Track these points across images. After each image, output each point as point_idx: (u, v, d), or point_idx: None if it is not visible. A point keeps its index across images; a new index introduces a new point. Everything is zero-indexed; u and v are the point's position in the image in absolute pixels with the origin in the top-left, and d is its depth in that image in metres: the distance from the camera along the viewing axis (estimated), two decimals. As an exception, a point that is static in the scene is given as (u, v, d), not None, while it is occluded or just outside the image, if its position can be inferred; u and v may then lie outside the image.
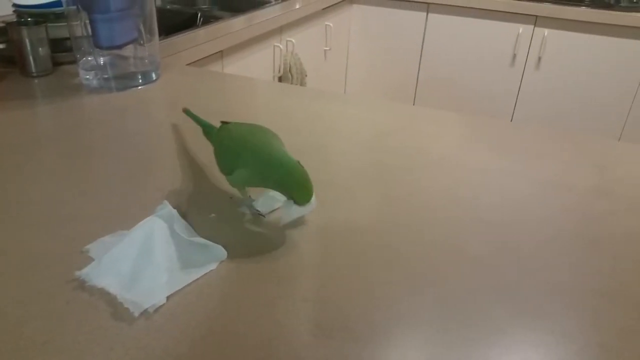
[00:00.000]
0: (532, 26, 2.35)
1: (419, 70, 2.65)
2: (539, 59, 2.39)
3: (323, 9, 2.25)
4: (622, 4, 2.27)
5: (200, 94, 0.99)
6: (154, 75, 1.05)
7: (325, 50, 2.40)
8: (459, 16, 2.46)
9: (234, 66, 1.64)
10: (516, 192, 0.72)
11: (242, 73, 1.69)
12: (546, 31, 2.33)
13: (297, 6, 1.99)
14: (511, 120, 2.56)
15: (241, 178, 0.60)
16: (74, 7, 0.95)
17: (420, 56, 2.62)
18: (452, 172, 0.76)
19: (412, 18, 2.56)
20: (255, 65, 1.78)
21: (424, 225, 0.63)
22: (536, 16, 2.32)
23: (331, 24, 2.37)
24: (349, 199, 0.68)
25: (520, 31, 2.37)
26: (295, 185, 0.56)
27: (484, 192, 0.71)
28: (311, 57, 2.25)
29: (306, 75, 2.11)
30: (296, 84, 2.02)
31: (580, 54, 2.33)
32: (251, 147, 0.59)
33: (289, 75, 1.98)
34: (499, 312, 0.50)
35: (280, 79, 1.99)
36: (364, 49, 2.72)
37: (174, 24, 1.81)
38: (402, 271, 0.55)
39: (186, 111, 0.75)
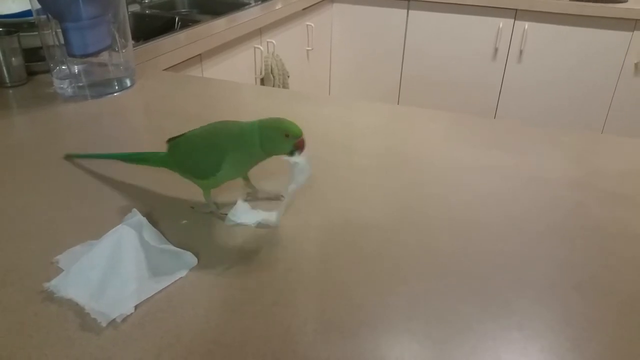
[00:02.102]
0: (513, 20, 2.36)
1: (402, 67, 2.66)
2: (521, 52, 2.41)
3: (303, 9, 2.25)
4: (600, -5, 2.28)
5: (176, 99, 0.99)
6: (129, 82, 1.05)
7: (307, 51, 2.40)
8: (440, 12, 2.47)
9: (214, 69, 1.63)
10: (489, 188, 0.72)
11: (223, 76, 1.68)
12: (526, 24, 2.35)
13: (277, 7, 1.99)
14: (495, 114, 2.58)
15: (232, 167, 0.59)
16: (44, 16, 0.94)
17: (403, 53, 2.63)
18: (426, 171, 0.77)
19: (393, 15, 2.56)
20: (235, 68, 1.78)
21: (396, 224, 0.63)
22: (516, 10, 2.33)
23: (312, 24, 2.37)
24: (321, 202, 0.68)
25: (501, 25, 2.38)
26: (277, 127, 0.57)
27: (456, 190, 0.72)
28: (293, 57, 2.25)
29: (288, 76, 2.10)
30: (278, 85, 2.02)
31: (560, 46, 2.34)
32: (221, 132, 0.60)
33: (271, 76, 1.98)
34: (468, 310, 0.51)
35: (262, 81, 1.99)
36: (346, 47, 2.72)
37: (152, 28, 1.80)
38: (372, 271, 0.55)
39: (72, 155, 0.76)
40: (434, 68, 2.60)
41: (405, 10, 2.53)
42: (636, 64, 2.25)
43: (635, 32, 2.20)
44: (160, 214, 0.64)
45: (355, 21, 2.65)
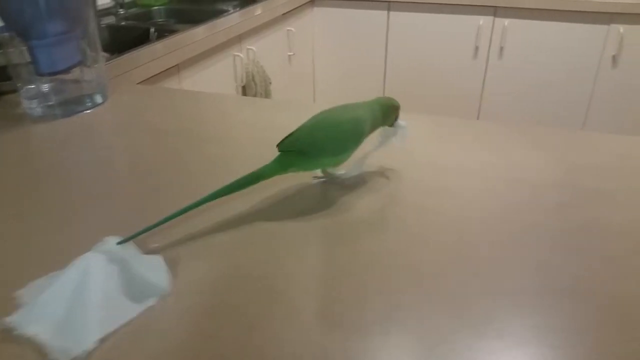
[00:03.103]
0: (492, 17, 2.36)
1: (385, 69, 2.65)
2: (501, 49, 2.40)
3: (283, 14, 2.23)
4: (579, -11, 2.28)
5: (150, 113, 0.97)
6: (101, 98, 1.02)
7: (289, 56, 2.38)
8: (420, 12, 2.46)
9: (192, 79, 1.61)
10: (468, 190, 0.70)
11: (202, 86, 1.66)
12: (506, 21, 2.34)
13: (257, 13, 1.96)
14: (479, 111, 2.57)
15: (365, 138, 0.69)
16: (9, 34, 0.91)
17: (386, 55, 2.61)
18: (406, 173, 0.75)
19: (374, 17, 2.55)
20: (215, 77, 1.75)
21: (371, 230, 0.61)
22: (495, 7, 2.33)
23: (293, 29, 2.35)
24: (293, 210, 0.66)
25: (481, 23, 2.38)
26: (392, 104, 0.72)
27: (435, 193, 0.70)
28: (275, 63, 2.23)
29: (270, 83, 2.08)
30: (260, 93, 2.00)
31: (540, 41, 2.34)
32: (353, 109, 0.69)
33: (252, 84, 1.95)
34: (442, 320, 0.48)
35: (243, 89, 1.97)
36: (329, 51, 2.71)
37: (127, 40, 1.77)
38: (349, 284, 0.53)
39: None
40: (416, 68, 2.59)
41: (386, 12, 2.52)
42: (613, 56, 2.26)
43: (611, 25, 2.20)
44: (134, 239, 0.61)
45: (336, 24, 2.63)
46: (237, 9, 2.05)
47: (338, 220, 0.65)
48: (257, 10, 2.01)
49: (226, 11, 2.00)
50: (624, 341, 0.47)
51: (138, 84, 1.32)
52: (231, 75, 1.87)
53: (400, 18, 2.51)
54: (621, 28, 2.19)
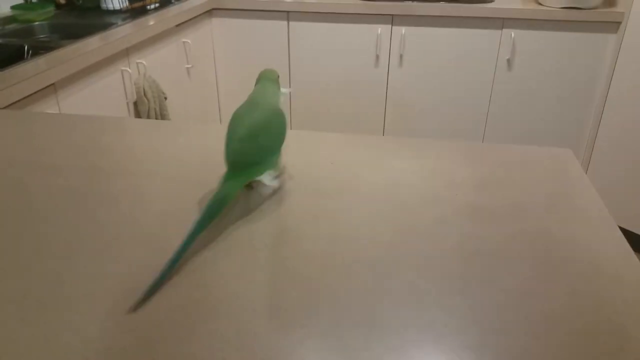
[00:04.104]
0: (390, 25, 2.40)
1: (289, 78, 2.63)
2: (401, 56, 2.45)
3: (177, 25, 2.16)
4: (469, -4, 2.37)
5: (7, 141, 0.88)
6: (-49, 126, 0.92)
7: (187, 68, 2.31)
8: (319, 22, 2.46)
9: (73, 99, 1.51)
10: (344, 213, 0.68)
11: (85, 105, 1.56)
12: (403, 29, 2.39)
13: (146, 25, 1.88)
14: (384, 119, 2.60)
15: (283, 113, 0.72)
16: None
17: (289, 64, 2.60)
18: (290, 199, 0.71)
19: (275, 27, 2.52)
20: (100, 95, 1.66)
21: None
22: (392, 15, 2.37)
23: (189, 40, 2.28)
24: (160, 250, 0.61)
25: (380, 31, 2.41)
26: (273, 77, 0.80)
27: (308, 220, 0.67)
28: (171, 77, 2.15)
29: (166, 98, 2.00)
30: (154, 108, 1.92)
31: (438, 47, 2.40)
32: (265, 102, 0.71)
33: (144, 99, 1.87)
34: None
35: (135, 105, 1.88)
36: (231, 62, 2.65)
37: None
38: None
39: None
40: (320, 78, 2.59)
41: (286, 22, 2.50)
42: (508, 60, 2.36)
43: (503, 29, 2.30)
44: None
45: (237, 35, 2.59)
46: (127, 21, 1.95)
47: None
48: (149, 21, 1.93)
49: (114, 24, 1.91)
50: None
51: (5, 108, 1.21)
52: (120, 92, 1.78)
53: (300, 28, 2.50)
54: (512, 33, 2.29)
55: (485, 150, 0.86)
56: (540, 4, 2.30)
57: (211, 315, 0.51)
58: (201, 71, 2.47)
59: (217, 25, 2.58)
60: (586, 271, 0.58)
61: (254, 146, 0.66)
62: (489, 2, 2.32)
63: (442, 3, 2.32)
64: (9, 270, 0.57)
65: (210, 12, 2.52)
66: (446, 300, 0.53)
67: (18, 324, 0.50)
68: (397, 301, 0.53)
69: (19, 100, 1.24)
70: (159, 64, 2.03)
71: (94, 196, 0.72)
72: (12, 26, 1.93)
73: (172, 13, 2.12)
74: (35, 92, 1.31)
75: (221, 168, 0.79)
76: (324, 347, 0.47)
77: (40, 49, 1.54)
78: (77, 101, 1.52)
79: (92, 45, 1.57)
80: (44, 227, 0.65)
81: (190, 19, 2.29)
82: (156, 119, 1.95)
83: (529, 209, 0.70)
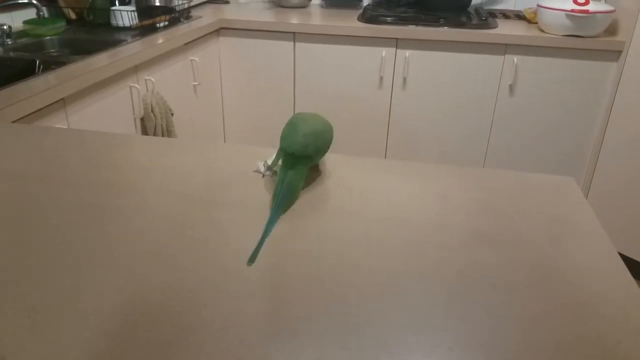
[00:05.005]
0: (394, 49, 2.43)
1: (294, 98, 2.66)
2: (404, 79, 2.48)
3: (186, 43, 2.19)
4: (473, 22, 2.40)
5: (16, 155, 0.90)
6: (-36, 139, 0.94)
7: (194, 85, 2.34)
8: (325, 44, 2.50)
9: (82, 114, 1.53)
10: (350, 234, 0.70)
11: (93, 120, 1.58)
12: (407, 52, 2.42)
13: (156, 43, 1.91)
14: (386, 140, 2.63)
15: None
16: None
17: (294, 84, 2.63)
18: (295, 219, 0.73)
19: (281, 47, 2.56)
20: (109, 110, 1.68)
21: (251, 289, 0.59)
22: (397, 39, 2.41)
23: (197, 59, 2.31)
24: (167, 267, 0.62)
25: (384, 54, 2.45)
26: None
27: (315, 239, 0.68)
28: (178, 94, 2.18)
29: (172, 114, 2.03)
30: (161, 124, 1.94)
31: (442, 71, 2.44)
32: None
33: (151, 115, 1.89)
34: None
35: (142, 121, 1.90)
36: (237, 80, 2.68)
37: (10, 73, 1.67)
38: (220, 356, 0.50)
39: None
40: (325, 97, 2.62)
41: (292, 43, 2.54)
42: (510, 85, 2.38)
43: (506, 55, 2.33)
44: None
45: (243, 54, 2.62)
46: (136, 38, 1.99)
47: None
48: (158, 39, 1.96)
49: (124, 41, 1.94)
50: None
51: (17, 120, 1.23)
52: (128, 108, 1.80)
53: (306, 49, 2.53)
54: (515, 58, 2.32)
55: (490, 176, 0.88)
56: (542, 31, 2.33)
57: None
58: (207, 89, 2.50)
59: (225, 44, 2.61)
60: (589, 300, 0.59)
61: (311, 143, 0.78)
62: (492, 28, 2.35)
63: (445, 28, 2.35)
64: (21, 283, 0.58)
65: (218, 32, 2.56)
66: (450, 325, 0.54)
67: (30, 337, 0.51)
68: (401, 325, 0.54)
69: (28, 115, 1.27)
70: (167, 81, 2.06)
71: (103, 211, 0.73)
72: (23, 40, 1.96)
73: (181, 32, 2.16)
74: (45, 107, 1.33)
75: (226, 186, 0.81)
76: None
77: (51, 64, 1.57)
78: (85, 116, 1.54)
79: (102, 62, 1.60)
80: (55, 241, 0.66)
81: (199, 38, 2.33)
82: (162, 135, 1.97)
83: (532, 236, 0.71)
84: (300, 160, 0.78)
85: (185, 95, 2.26)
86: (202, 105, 2.46)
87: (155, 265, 0.62)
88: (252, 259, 0.63)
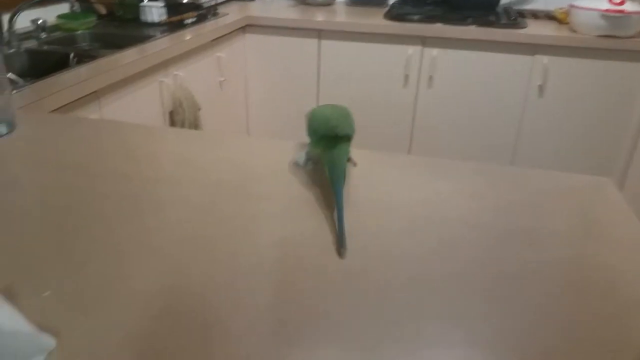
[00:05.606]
0: (421, 47, 2.42)
1: (317, 95, 2.66)
2: (430, 77, 2.46)
3: (213, 40, 2.21)
4: (502, 22, 2.38)
5: (60, 146, 0.91)
6: (5, 128, 0.96)
7: (220, 81, 2.35)
8: (349, 41, 2.50)
9: (114, 106, 1.55)
10: (384, 229, 0.69)
11: (124, 113, 1.60)
12: (435, 51, 2.41)
13: (185, 39, 1.93)
14: (410, 139, 2.62)
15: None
16: None
17: (318, 82, 2.63)
18: (327, 214, 0.73)
19: (305, 45, 2.56)
20: (139, 103, 1.70)
21: (310, 283, 0.59)
22: (424, 37, 2.39)
23: (223, 55, 2.33)
24: (208, 257, 0.63)
25: (410, 52, 2.43)
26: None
27: (356, 231, 0.68)
28: (205, 89, 2.19)
29: (199, 109, 2.04)
30: (189, 119, 1.96)
31: (469, 71, 2.42)
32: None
33: (180, 109, 1.91)
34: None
35: (170, 115, 1.92)
36: (262, 77, 2.69)
37: (45, 66, 1.69)
38: (256, 341, 0.50)
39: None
40: (349, 95, 2.62)
41: (317, 40, 2.54)
42: (540, 86, 2.35)
43: (536, 55, 2.30)
44: (23, 286, 0.56)
45: (268, 51, 2.63)
46: (165, 34, 2.00)
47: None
48: (186, 36, 1.98)
49: (153, 36, 1.96)
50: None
51: (53, 111, 1.25)
52: (157, 102, 1.82)
53: (331, 46, 2.53)
54: (545, 59, 2.29)
55: (522, 175, 0.87)
56: (574, 31, 2.30)
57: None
58: (233, 85, 2.52)
59: (250, 41, 2.63)
60: (630, 302, 0.58)
61: (346, 123, 0.81)
62: (521, 27, 2.33)
63: (473, 27, 2.33)
64: (66, 267, 0.59)
65: (244, 28, 2.57)
66: (482, 323, 0.54)
67: (81, 314, 0.52)
68: (442, 319, 0.54)
69: (64, 105, 1.28)
70: (194, 77, 2.07)
71: (141, 201, 0.74)
72: (56, 34, 1.99)
73: (208, 28, 2.17)
74: (79, 99, 1.35)
75: (261, 178, 0.81)
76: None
77: (84, 57, 1.59)
78: (117, 109, 1.56)
79: (133, 57, 1.61)
80: (99, 228, 0.67)
81: (225, 34, 2.34)
82: (190, 129, 1.98)
83: (569, 236, 0.70)
84: (341, 140, 0.79)
85: (211, 91, 2.28)
86: (227, 101, 2.47)
87: (193, 252, 0.62)
88: (343, 246, 0.65)
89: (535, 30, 2.31)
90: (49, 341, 0.48)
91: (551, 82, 2.34)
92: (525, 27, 2.34)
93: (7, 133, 0.96)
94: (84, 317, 0.52)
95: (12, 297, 0.53)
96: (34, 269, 0.59)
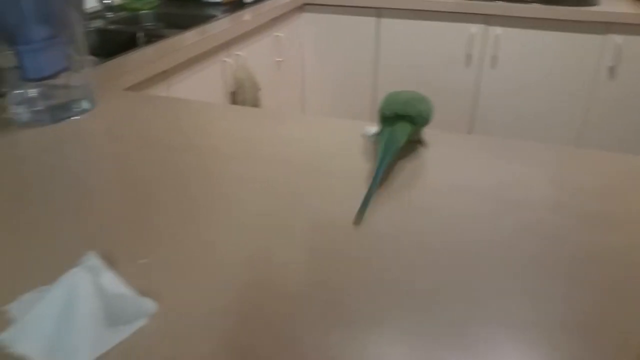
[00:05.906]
0: (485, 25, 2.36)
1: (376, 75, 2.64)
2: (494, 57, 2.40)
3: (271, 19, 2.22)
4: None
5: (138, 121, 0.94)
6: (88, 104, 1.00)
7: (278, 61, 2.37)
8: (410, 19, 2.46)
9: (181, 85, 1.59)
10: (461, 212, 0.69)
11: (190, 92, 1.64)
12: (499, 29, 2.34)
13: (245, 18, 1.95)
14: (472, 121, 2.57)
15: None
16: (-6, 39, 0.89)
17: (376, 61, 2.61)
18: (394, 194, 0.73)
19: (364, 23, 2.54)
20: (204, 83, 1.73)
21: (363, 254, 0.60)
22: (487, 15, 2.33)
23: (282, 34, 2.34)
24: (284, 231, 0.64)
25: (473, 31, 2.38)
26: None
27: (426, 214, 0.68)
28: (263, 69, 2.21)
29: (260, 89, 2.06)
30: (250, 97, 1.98)
31: (535, 51, 2.34)
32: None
33: (242, 90, 1.93)
34: (441, 356, 0.47)
35: (232, 95, 1.95)
36: (318, 56, 2.69)
37: (114, 45, 1.74)
38: (340, 313, 0.51)
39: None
40: (408, 75, 2.59)
41: (375, 18, 2.51)
42: (610, 68, 2.26)
43: (607, 35, 2.20)
44: (122, 253, 0.59)
45: (325, 30, 2.62)
46: (226, 14, 2.03)
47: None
48: (246, 15, 1.99)
49: (214, 16, 1.98)
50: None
51: (125, 89, 1.29)
52: (220, 81, 1.85)
53: (390, 24, 2.50)
54: (619, 38, 2.19)
55: (599, 158, 0.84)
56: (648, 7, 2.19)
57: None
58: (290, 65, 2.53)
59: (308, 20, 2.62)
60: None
61: (411, 104, 0.82)
62: (592, 5, 2.23)
63: (536, 5, 2.25)
64: (159, 237, 0.62)
65: (301, 7, 2.57)
66: (562, 304, 0.53)
67: (178, 280, 0.54)
68: (517, 296, 0.53)
69: (137, 84, 1.32)
70: (253, 57, 2.09)
71: (218, 176, 0.76)
72: (121, 14, 2.04)
73: (267, 8, 2.18)
74: (149, 77, 1.39)
75: (331, 156, 0.82)
76: (417, 344, 0.48)
77: (151, 37, 1.63)
78: (182, 88, 1.60)
79: (196, 37, 1.64)
80: (182, 202, 0.69)
81: (283, 14, 2.35)
82: (251, 108, 2.01)
83: (662, 215, 0.68)
84: (402, 119, 0.81)
85: (269, 71, 2.29)
86: (284, 81, 2.49)
87: (269, 226, 0.64)
88: (360, 215, 0.66)
89: (607, 7, 2.21)
90: (151, 305, 0.51)
91: (625, 64, 2.23)
92: (596, 5, 2.24)
93: (89, 109, 1.00)
94: (181, 283, 0.55)
95: (110, 264, 0.56)
96: (127, 239, 0.62)
